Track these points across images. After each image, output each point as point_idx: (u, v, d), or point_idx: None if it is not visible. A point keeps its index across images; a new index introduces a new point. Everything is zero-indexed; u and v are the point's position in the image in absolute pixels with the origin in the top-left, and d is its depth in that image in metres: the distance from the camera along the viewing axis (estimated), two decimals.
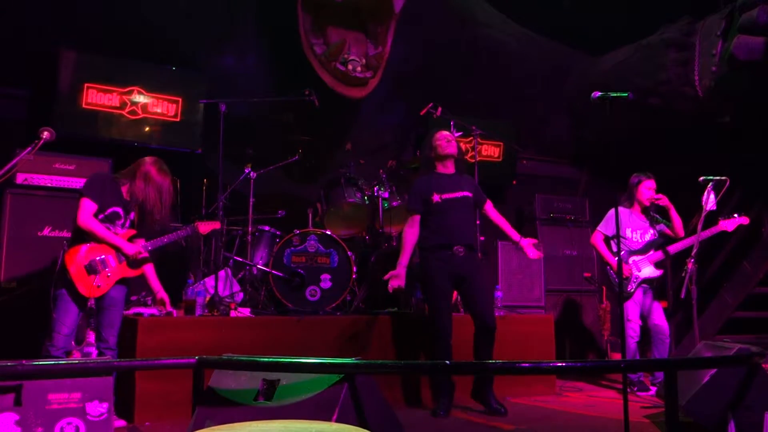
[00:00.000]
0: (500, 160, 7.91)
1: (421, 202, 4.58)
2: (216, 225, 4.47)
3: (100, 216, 3.95)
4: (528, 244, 4.66)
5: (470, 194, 4.65)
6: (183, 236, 4.32)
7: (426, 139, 4.82)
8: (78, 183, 4.98)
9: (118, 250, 3.98)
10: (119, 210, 4.03)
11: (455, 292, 4.87)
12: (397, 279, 4.45)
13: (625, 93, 3.39)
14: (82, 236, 3.92)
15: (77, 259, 3.85)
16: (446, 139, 4.67)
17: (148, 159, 4.10)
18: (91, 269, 3.89)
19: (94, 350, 4.08)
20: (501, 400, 4.48)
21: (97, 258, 3.92)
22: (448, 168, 4.67)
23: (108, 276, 3.96)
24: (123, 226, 4.08)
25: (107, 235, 3.94)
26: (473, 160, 6.05)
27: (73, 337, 3.94)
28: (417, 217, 4.59)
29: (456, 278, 4.53)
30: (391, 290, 4.41)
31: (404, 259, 4.51)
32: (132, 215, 4.11)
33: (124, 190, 4.07)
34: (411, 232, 4.56)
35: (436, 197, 4.53)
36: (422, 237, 4.59)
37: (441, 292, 4.51)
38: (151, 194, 4.04)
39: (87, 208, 3.89)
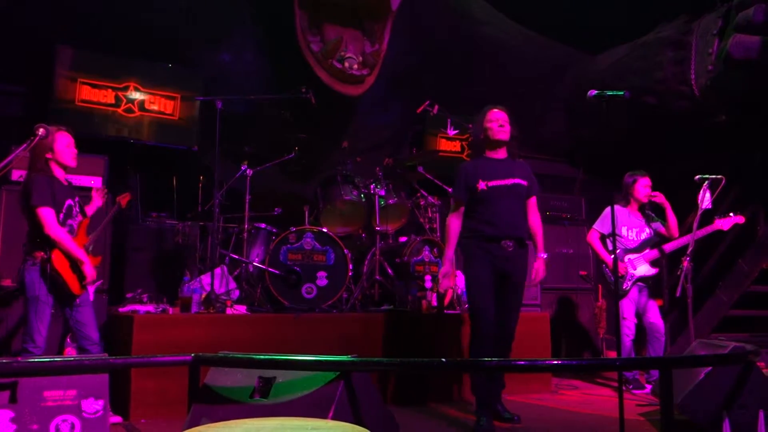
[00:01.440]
0: None
1: (464, 190, 4.14)
2: (128, 195, 4.68)
3: (60, 216, 3.87)
4: (537, 266, 4.22)
5: (524, 182, 4.18)
6: (114, 213, 4.57)
7: (477, 117, 4.27)
8: (74, 180, 4.97)
9: (81, 264, 3.87)
10: (70, 201, 3.98)
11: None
12: (447, 279, 4.18)
13: (621, 92, 3.39)
14: (47, 239, 3.82)
15: (62, 258, 3.83)
16: (499, 123, 4.13)
17: (48, 133, 3.62)
18: (75, 266, 3.89)
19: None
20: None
21: None
22: (498, 154, 4.20)
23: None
24: (78, 213, 4.05)
25: (74, 249, 3.85)
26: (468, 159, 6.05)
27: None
28: (462, 208, 4.18)
29: (500, 274, 4.09)
30: (443, 290, 4.15)
31: (450, 252, 4.17)
32: (77, 198, 4.07)
33: (60, 177, 4.00)
34: (456, 223, 4.18)
35: (481, 184, 4.07)
36: (466, 228, 4.16)
37: (485, 287, 4.06)
38: (67, 153, 3.99)
39: (51, 218, 3.78)
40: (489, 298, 4.06)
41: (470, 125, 5.97)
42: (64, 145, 3.97)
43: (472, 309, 4.10)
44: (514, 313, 4.17)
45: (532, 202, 4.29)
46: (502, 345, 4.12)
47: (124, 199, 4.61)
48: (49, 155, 3.92)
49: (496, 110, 4.18)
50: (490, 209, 4.07)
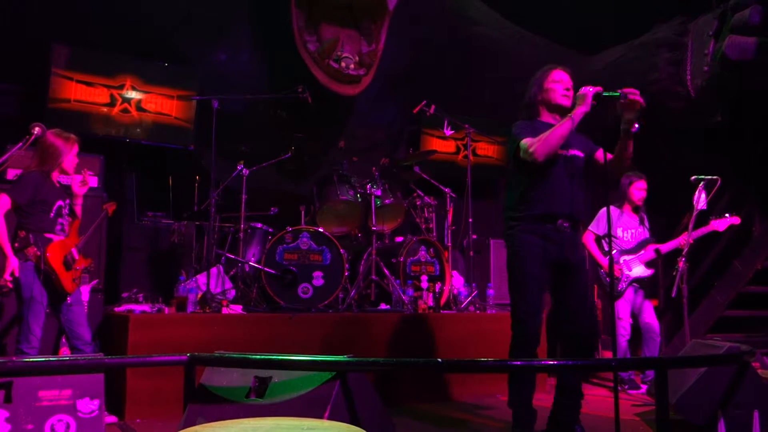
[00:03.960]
0: (494, 158, 7.93)
1: (531, 133, 3.42)
2: (114, 204, 4.63)
3: (51, 215, 3.88)
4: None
5: (581, 154, 3.55)
6: (102, 219, 4.58)
7: (534, 76, 3.62)
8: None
9: None
10: (61, 202, 3.98)
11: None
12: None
13: (617, 92, 3.36)
14: (37, 237, 3.82)
15: (56, 255, 3.83)
16: (564, 86, 3.51)
17: (44, 132, 3.80)
18: (68, 265, 3.89)
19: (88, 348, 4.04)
20: (492, 397, 4.44)
21: (67, 253, 3.93)
22: (555, 120, 3.52)
23: (77, 269, 4.00)
24: (68, 215, 4.05)
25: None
26: (466, 161, 6.05)
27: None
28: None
29: (556, 263, 3.46)
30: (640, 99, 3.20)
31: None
32: (67, 200, 4.06)
33: (53, 179, 4.00)
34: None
35: None
36: (515, 205, 3.52)
37: (532, 279, 3.44)
38: (70, 159, 4.03)
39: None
40: (540, 300, 3.48)
41: (467, 125, 6.04)
42: (73, 154, 4.05)
43: (518, 312, 3.49)
44: (583, 307, 3.53)
45: (600, 153, 3.56)
46: (580, 347, 3.50)
47: (110, 208, 4.62)
48: (60, 161, 3.97)
49: (560, 70, 3.56)
50: (547, 182, 3.42)
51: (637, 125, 3.33)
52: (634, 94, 3.21)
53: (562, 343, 3.57)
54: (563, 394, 3.55)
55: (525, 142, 3.37)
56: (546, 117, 3.56)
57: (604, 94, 3.33)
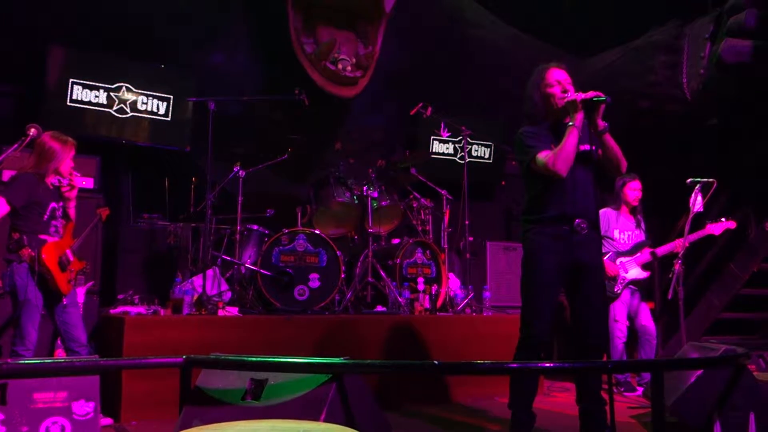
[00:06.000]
0: (490, 160, 7.93)
1: (544, 142, 3.37)
2: (107, 210, 4.60)
3: (45, 217, 3.88)
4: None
5: (592, 147, 3.45)
6: (95, 224, 4.54)
7: (531, 78, 3.56)
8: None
9: None
10: (54, 204, 3.97)
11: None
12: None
13: (603, 98, 3.28)
14: (24, 231, 3.83)
15: (51, 256, 3.82)
16: (562, 88, 3.43)
17: (40, 133, 3.88)
18: (63, 266, 3.89)
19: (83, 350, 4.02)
20: (490, 399, 4.43)
21: (62, 254, 3.92)
22: (560, 122, 3.43)
23: (72, 271, 3.99)
24: (62, 217, 4.03)
25: None
26: (463, 161, 6.06)
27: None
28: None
29: (571, 266, 3.38)
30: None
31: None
32: (61, 203, 4.05)
33: (48, 181, 3.99)
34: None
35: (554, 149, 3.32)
36: (528, 208, 3.49)
37: (540, 282, 3.38)
38: (66, 163, 4.02)
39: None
40: (547, 303, 3.40)
41: (463, 127, 6.04)
42: (69, 157, 4.04)
43: (525, 313, 3.45)
44: (599, 313, 3.44)
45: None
46: (591, 350, 3.42)
47: (104, 213, 4.60)
48: (56, 164, 3.96)
49: (554, 69, 3.49)
50: (556, 183, 3.35)
51: (603, 123, 3.35)
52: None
53: (574, 346, 3.53)
54: (584, 401, 3.50)
55: (542, 158, 3.32)
56: (551, 120, 3.50)
57: (594, 99, 3.30)
